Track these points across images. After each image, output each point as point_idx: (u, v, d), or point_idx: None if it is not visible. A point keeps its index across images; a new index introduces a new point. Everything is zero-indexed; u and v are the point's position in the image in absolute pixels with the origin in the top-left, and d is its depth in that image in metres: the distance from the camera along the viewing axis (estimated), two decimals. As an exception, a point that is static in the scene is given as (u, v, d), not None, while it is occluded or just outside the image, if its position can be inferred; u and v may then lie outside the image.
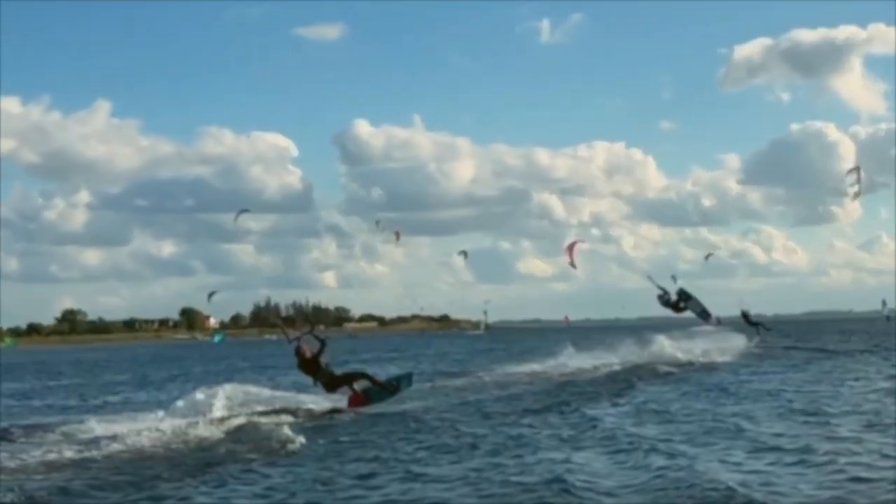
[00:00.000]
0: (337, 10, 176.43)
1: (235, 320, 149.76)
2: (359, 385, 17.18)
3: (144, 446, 12.65)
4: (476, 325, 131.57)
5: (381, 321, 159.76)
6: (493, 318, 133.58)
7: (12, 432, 14.71)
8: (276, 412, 16.47)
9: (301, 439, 12.90)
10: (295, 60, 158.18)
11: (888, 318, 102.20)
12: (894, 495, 8.02)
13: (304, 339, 17.39)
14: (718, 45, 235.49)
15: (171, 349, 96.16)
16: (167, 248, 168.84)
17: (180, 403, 16.91)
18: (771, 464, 10.20)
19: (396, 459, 11.30)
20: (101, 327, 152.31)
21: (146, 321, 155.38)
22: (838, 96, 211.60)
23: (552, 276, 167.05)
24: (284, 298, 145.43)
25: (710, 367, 28.29)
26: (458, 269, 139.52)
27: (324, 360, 16.84)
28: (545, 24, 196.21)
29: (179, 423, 14.78)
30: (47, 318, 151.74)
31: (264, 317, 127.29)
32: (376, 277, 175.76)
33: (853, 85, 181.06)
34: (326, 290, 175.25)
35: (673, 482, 8.89)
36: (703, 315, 36.05)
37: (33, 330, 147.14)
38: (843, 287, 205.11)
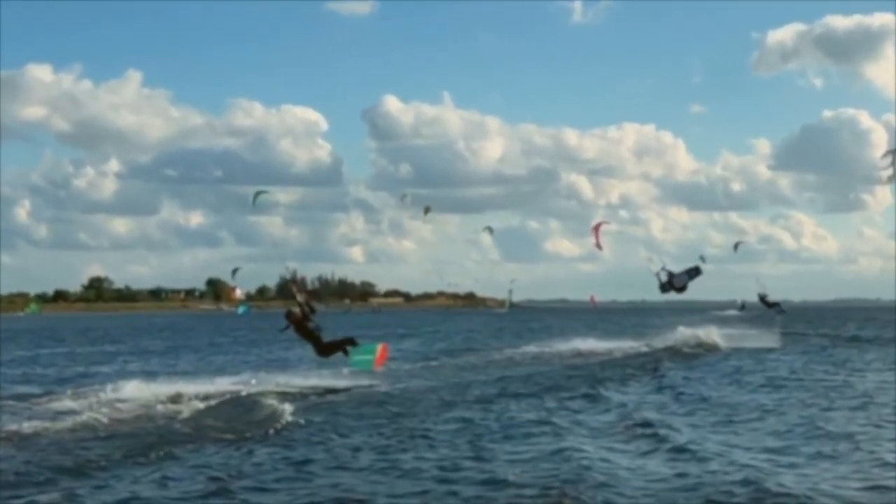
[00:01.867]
0: None
1: (261, 292, 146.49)
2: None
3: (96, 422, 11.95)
4: (501, 303, 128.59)
5: (406, 297, 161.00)
6: (518, 297, 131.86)
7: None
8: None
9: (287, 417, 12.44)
10: (326, 35, 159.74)
11: None
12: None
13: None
14: (752, 29, 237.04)
15: (193, 319, 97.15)
16: (195, 219, 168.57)
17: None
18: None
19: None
20: (126, 295, 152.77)
21: (173, 291, 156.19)
22: (872, 84, 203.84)
23: (579, 257, 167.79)
24: (311, 272, 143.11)
25: (733, 351, 27.69)
26: (485, 247, 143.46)
27: (311, 325, 17.05)
28: (577, 5, 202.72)
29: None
30: (75, 286, 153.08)
31: (288, 289, 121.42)
32: (403, 253, 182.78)
33: (887, 73, 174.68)
34: (353, 265, 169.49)
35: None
36: (692, 274, 33.24)
37: (60, 297, 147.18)
38: (872, 275, 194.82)
